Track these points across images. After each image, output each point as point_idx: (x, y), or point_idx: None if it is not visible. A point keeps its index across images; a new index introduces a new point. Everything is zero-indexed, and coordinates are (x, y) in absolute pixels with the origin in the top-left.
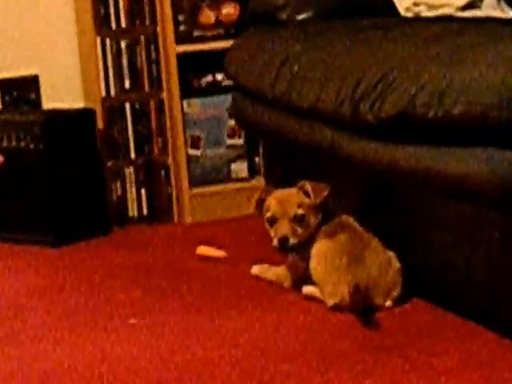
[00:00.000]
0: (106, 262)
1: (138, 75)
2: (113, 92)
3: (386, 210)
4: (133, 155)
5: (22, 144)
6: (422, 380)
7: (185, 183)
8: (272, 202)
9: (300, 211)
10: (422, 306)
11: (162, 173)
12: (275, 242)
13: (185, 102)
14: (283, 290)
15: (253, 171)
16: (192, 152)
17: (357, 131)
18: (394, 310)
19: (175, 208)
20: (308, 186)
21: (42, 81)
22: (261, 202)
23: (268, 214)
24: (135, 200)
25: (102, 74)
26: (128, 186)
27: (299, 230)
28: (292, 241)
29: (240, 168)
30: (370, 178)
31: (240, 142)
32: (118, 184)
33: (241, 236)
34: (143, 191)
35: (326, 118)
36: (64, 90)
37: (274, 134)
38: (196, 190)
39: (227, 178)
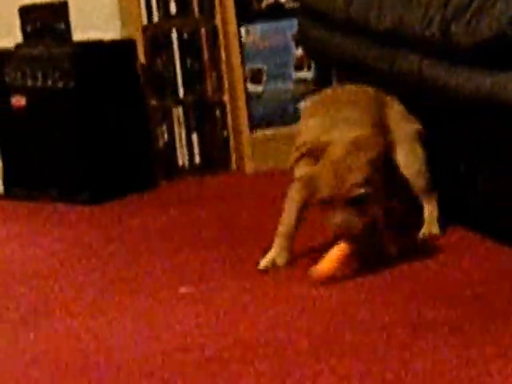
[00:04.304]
0: (151, 221)
1: None
2: (156, 18)
3: (479, 148)
4: (181, 93)
5: (49, 82)
6: None
7: (244, 125)
8: None
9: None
10: None
11: (217, 113)
12: None
13: (242, 29)
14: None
15: None
16: (252, 88)
17: (448, 56)
18: (491, 272)
19: (233, 155)
20: None
21: (71, 7)
22: None
23: None
24: (185, 147)
25: None
26: (177, 129)
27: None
28: None
29: None
30: (465, 110)
31: (309, 74)
32: (165, 128)
33: None
34: (195, 136)
35: (412, 42)
36: (97, 18)
37: (350, 64)
38: (258, 134)
39: (295, 118)
